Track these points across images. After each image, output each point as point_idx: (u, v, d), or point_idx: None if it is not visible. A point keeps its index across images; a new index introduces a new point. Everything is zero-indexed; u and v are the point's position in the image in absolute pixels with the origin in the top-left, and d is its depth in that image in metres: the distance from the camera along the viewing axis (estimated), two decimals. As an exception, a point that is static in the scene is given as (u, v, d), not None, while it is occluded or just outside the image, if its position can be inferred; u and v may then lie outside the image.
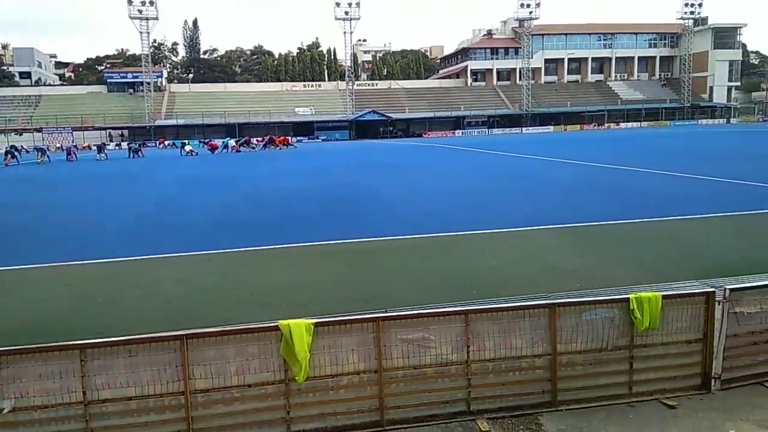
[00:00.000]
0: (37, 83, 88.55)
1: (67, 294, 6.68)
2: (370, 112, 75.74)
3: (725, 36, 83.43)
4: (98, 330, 5.15)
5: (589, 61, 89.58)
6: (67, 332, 5.01)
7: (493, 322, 3.84)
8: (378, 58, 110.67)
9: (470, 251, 8.29)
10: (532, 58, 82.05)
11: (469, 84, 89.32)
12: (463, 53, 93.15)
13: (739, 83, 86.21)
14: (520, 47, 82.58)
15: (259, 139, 52.11)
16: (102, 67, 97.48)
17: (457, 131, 78.08)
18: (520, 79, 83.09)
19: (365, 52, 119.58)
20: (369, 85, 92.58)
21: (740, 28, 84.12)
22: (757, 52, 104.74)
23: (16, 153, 38.83)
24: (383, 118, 76.69)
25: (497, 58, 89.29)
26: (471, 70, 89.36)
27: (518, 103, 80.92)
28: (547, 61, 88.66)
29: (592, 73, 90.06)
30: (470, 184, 17.06)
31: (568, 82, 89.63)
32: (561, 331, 3.88)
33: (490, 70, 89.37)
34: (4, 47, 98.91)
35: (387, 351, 3.72)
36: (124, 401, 3.46)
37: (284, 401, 3.64)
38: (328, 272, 7.28)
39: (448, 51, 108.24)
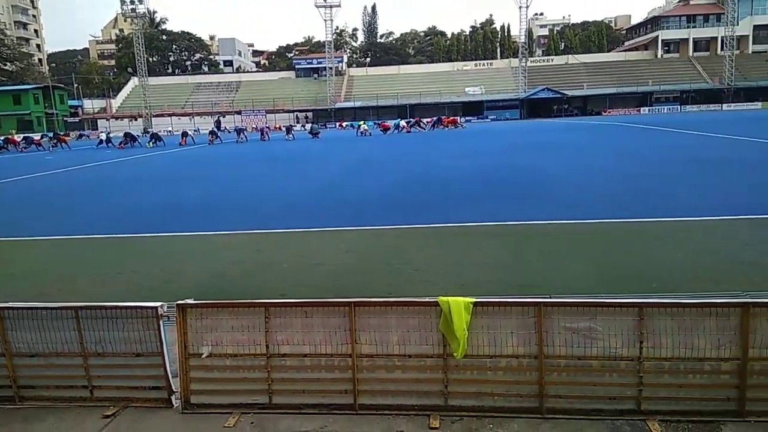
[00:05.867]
0: (238, 70, 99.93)
1: (255, 258, 7.53)
2: (543, 90, 72.48)
3: None
4: (280, 291, 5.75)
5: (814, 24, 75.51)
6: (254, 291, 5.66)
7: (672, 318, 3.50)
8: (555, 32, 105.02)
9: (648, 241, 7.59)
10: (737, 24, 71.32)
11: (659, 56, 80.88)
12: (654, 22, 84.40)
13: None
14: (723, 13, 72.16)
15: (428, 119, 52.96)
16: (291, 55, 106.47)
17: (642, 108, 71.34)
18: (721, 49, 72.99)
19: (542, 26, 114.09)
20: (544, 61, 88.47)
21: None
22: None
23: (218, 133, 44.66)
24: (558, 95, 72.87)
25: (694, 26, 79.45)
26: (662, 40, 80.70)
27: (718, 76, 71.23)
28: (756, 27, 76.73)
29: (817, 39, 75.91)
30: (654, 168, 15.53)
31: (784, 50, 76.61)
32: (755, 334, 3.41)
33: (686, 40, 79.83)
34: (212, 38, 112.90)
35: (549, 338, 3.60)
36: (299, 357, 3.82)
37: (442, 375, 3.72)
38: (490, 254, 7.21)
39: (636, 21, 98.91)
